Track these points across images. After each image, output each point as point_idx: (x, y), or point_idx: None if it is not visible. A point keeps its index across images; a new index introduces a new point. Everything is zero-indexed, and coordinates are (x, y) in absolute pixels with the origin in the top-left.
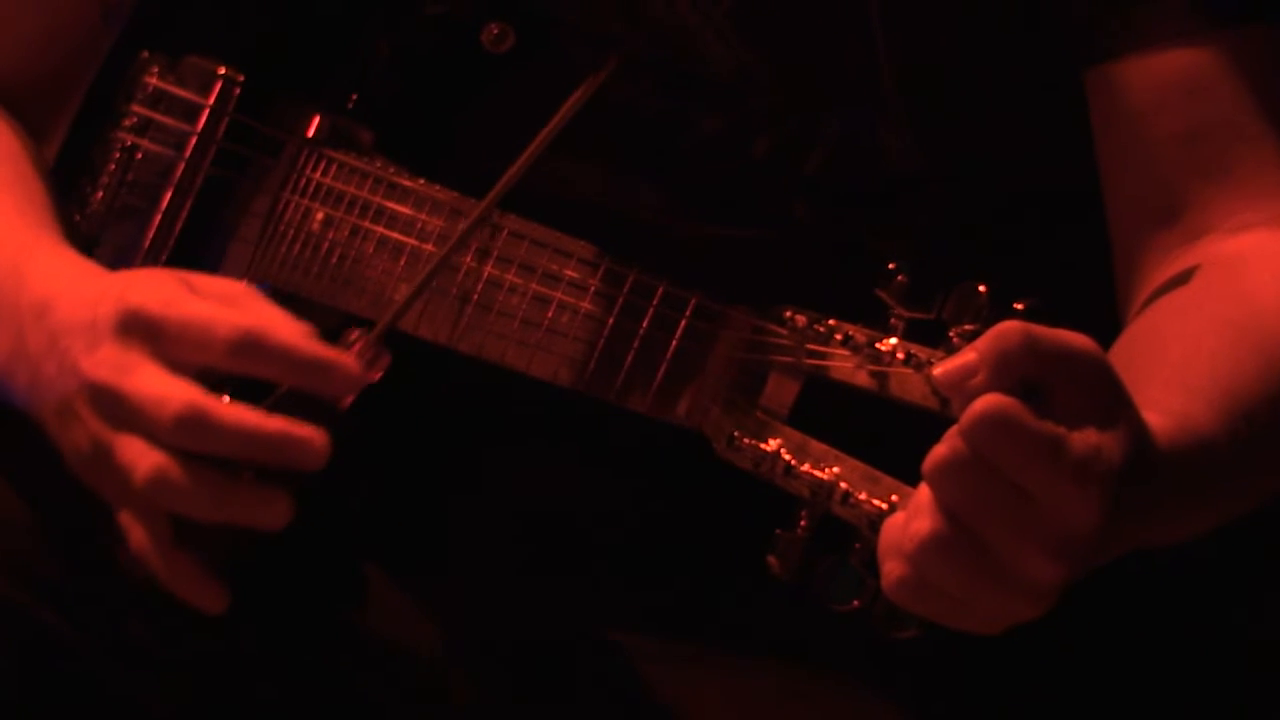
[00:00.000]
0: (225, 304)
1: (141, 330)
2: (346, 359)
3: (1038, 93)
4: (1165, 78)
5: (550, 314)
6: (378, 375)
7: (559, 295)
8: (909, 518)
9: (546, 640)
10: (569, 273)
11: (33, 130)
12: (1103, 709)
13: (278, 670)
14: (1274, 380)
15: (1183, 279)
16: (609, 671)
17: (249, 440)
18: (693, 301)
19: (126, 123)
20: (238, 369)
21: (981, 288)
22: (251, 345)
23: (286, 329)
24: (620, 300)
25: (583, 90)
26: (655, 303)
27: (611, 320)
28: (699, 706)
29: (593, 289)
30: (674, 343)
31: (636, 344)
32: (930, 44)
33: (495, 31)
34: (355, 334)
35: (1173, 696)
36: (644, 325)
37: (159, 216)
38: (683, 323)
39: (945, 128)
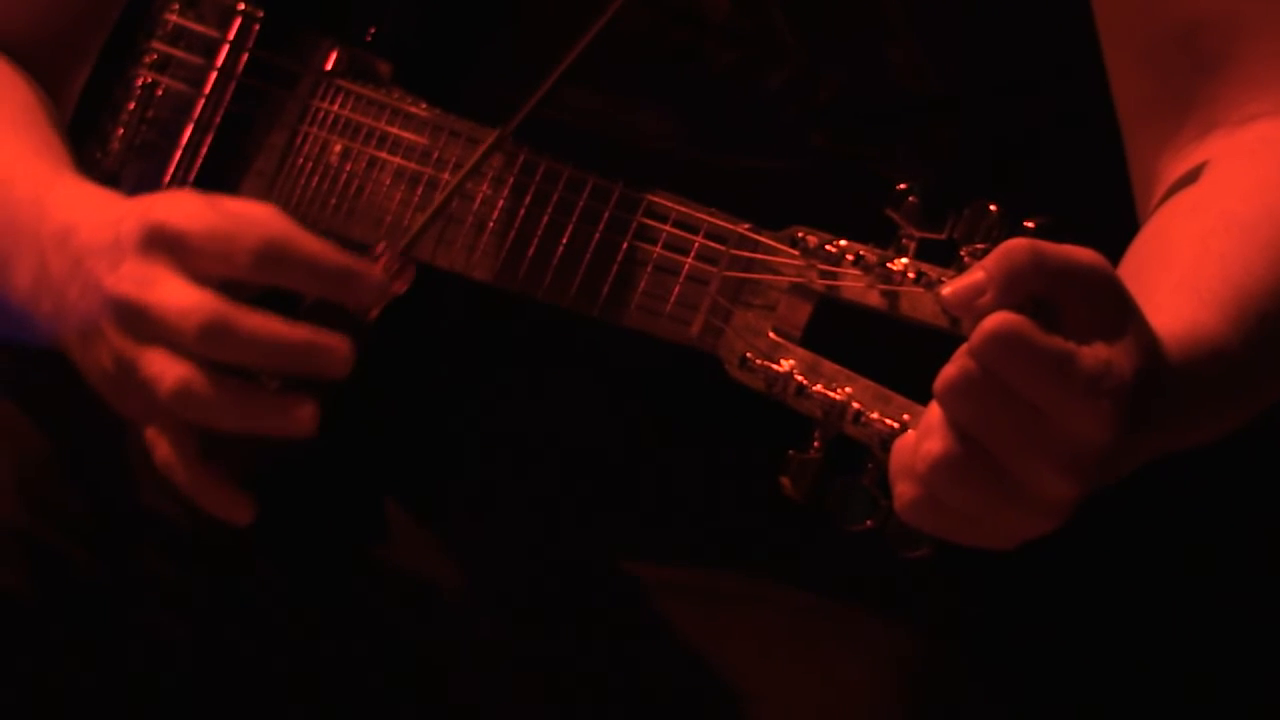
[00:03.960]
0: (248, 220)
1: (165, 244)
2: (372, 268)
3: (1040, 3)
4: None
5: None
6: (403, 287)
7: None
8: (920, 438)
9: (569, 575)
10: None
11: (48, 87)
12: (1126, 638)
13: (301, 606)
14: None
15: (1191, 178)
16: (633, 606)
17: (274, 347)
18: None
19: (147, 60)
20: (263, 279)
21: (993, 206)
22: (277, 255)
23: (312, 240)
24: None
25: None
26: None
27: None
28: (721, 640)
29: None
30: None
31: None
32: None
33: None
34: (381, 247)
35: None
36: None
37: (178, 153)
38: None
39: (950, 36)
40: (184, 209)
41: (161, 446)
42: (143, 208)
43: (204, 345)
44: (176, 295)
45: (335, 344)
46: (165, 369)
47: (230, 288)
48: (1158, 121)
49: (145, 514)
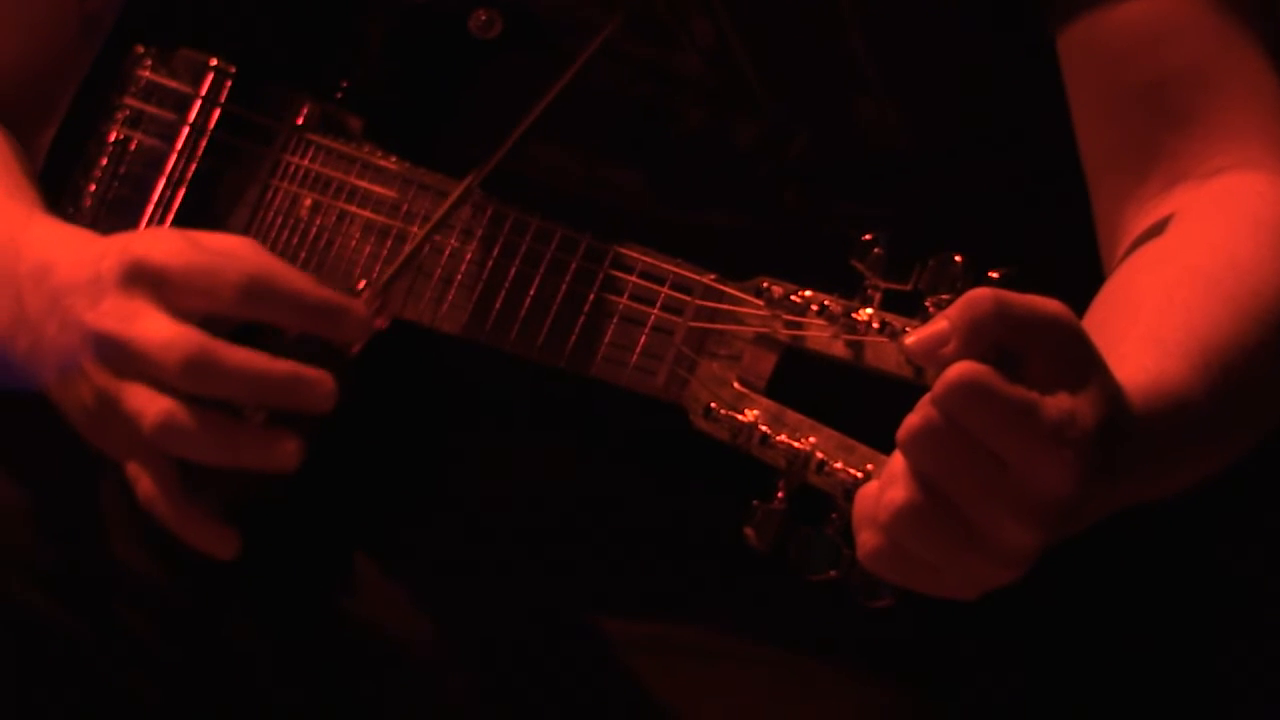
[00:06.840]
0: (229, 255)
1: (147, 279)
2: (355, 303)
3: (1011, 59)
4: (1131, 28)
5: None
6: (385, 323)
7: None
8: (883, 487)
9: (536, 631)
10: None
11: (19, 138)
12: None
13: (272, 659)
14: (1249, 330)
15: (1157, 230)
16: (602, 661)
17: (257, 381)
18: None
19: (120, 115)
20: (246, 314)
21: (958, 258)
22: (260, 289)
23: (294, 275)
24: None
25: (580, 58)
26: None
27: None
28: (686, 696)
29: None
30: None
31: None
32: (898, 8)
33: (483, 18)
34: (362, 284)
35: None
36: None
37: (150, 208)
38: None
39: (921, 94)
40: (164, 245)
41: (144, 481)
42: (123, 244)
43: (187, 379)
44: (159, 330)
45: (319, 378)
46: (148, 403)
47: (208, 324)
48: (1124, 174)
49: (118, 568)
